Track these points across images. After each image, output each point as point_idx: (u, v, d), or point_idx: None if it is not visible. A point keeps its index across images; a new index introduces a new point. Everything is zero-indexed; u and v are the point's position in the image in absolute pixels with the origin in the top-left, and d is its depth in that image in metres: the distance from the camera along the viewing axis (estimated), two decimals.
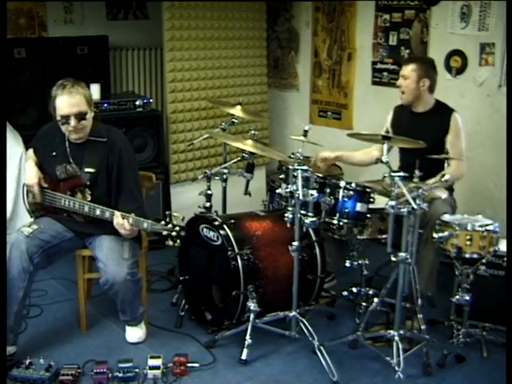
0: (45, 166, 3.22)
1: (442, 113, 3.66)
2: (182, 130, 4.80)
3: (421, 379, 3.03)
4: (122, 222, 3.00)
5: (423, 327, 3.12)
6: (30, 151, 3.30)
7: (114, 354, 3.16)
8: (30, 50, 4.48)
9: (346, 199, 3.30)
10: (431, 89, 3.68)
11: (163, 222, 2.99)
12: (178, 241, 2.99)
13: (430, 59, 3.87)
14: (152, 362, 3.00)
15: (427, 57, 4.30)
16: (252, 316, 3.17)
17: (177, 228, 2.98)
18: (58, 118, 3.09)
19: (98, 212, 3.07)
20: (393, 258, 3.00)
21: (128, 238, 3.11)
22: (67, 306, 3.67)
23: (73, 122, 3.06)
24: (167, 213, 3.04)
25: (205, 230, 3.39)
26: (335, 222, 3.32)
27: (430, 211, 3.24)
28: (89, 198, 3.15)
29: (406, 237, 2.98)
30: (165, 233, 2.98)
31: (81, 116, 3.08)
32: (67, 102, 3.05)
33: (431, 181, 3.28)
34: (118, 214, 3.02)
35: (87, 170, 3.15)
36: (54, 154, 3.21)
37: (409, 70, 3.65)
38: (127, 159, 3.22)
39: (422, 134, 3.24)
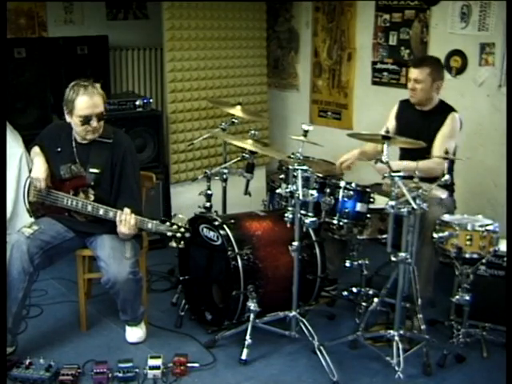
0: (49, 163, 3.21)
1: (443, 112, 3.65)
2: (182, 129, 4.80)
3: (421, 379, 3.03)
4: (129, 218, 2.99)
5: (423, 327, 3.12)
6: (37, 148, 3.28)
7: (114, 354, 3.16)
8: (30, 49, 4.48)
9: (346, 199, 3.30)
10: (439, 90, 3.67)
11: (168, 224, 2.99)
12: (182, 242, 3.00)
13: (438, 59, 3.81)
14: (152, 362, 3.00)
15: (435, 57, 4.27)
16: (252, 316, 3.17)
17: (182, 230, 2.98)
18: (78, 119, 3.07)
19: (101, 212, 3.07)
20: (393, 258, 3.00)
21: (124, 238, 3.10)
22: (67, 306, 3.67)
23: (94, 122, 3.08)
24: (173, 214, 3.04)
25: (205, 229, 3.39)
26: (335, 221, 3.32)
27: (426, 215, 3.22)
28: (92, 198, 3.16)
29: (406, 237, 2.97)
30: (169, 234, 2.98)
31: (101, 116, 3.11)
32: (89, 102, 3.06)
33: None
34: (127, 210, 3.01)
35: (92, 170, 3.16)
36: (59, 150, 3.21)
37: (425, 75, 3.56)
38: (130, 160, 3.23)
39: (423, 132, 3.23)
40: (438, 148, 3.50)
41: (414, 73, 3.62)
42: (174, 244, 3.00)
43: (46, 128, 3.39)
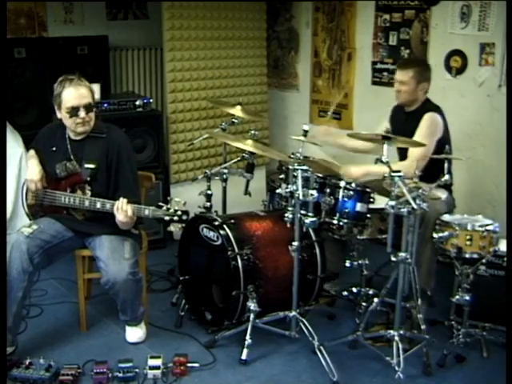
0: (45, 164, 3.22)
1: (422, 112, 3.62)
2: (182, 130, 4.80)
3: (421, 379, 3.03)
4: (125, 207, 2.98)
5: (423, 327, 3.12)
6: (32, 151, 3.30)
7: (114, 353, 3.16)
8: (30, 49, 4.49)
9: (346, 199, 3.30)
10: (427, 91, 3.67)
11: (164, 208, 2.98)
12: (181, 225, 2.98)
13: (424, 61, 3.84)
14: (152, 362, 3.00)
15: (421, 59, 4.29)
16: (252, 316, 3.17)
17: (179, 212, 2.97)
18: (66, 110, 3.09)
19: (98, 205, 3.07)
20: (393, 258, 3.00)
21: (124, 228, 3.09)
22: (67, 306, 3.67)
23: (82, 113, 3.09)
24: (168, 198, 3.04)
25: (205, 229, 3.39)
26: (335, 221, 3.32)
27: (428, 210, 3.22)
28: (89, 194, 3.16)
29: (406, 237, 2.98)
30: (167, 218, 2.97)
31: (89, 107, 3.12)
32: (76, 93, 3.09)
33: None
34: (123, 199, 3.01)
35: (87, 166, 3.16)
36: (54, 149, 3.23)
37: (408, 77, 3.59)
38: (126, 155, 3.23)
39: (406, 134, 3.24)
40: (410, 152, 3.49)
41: (398, 75, 3.67)
42: (172, 228, 2.97)
43: (40, 131, 3.40)
